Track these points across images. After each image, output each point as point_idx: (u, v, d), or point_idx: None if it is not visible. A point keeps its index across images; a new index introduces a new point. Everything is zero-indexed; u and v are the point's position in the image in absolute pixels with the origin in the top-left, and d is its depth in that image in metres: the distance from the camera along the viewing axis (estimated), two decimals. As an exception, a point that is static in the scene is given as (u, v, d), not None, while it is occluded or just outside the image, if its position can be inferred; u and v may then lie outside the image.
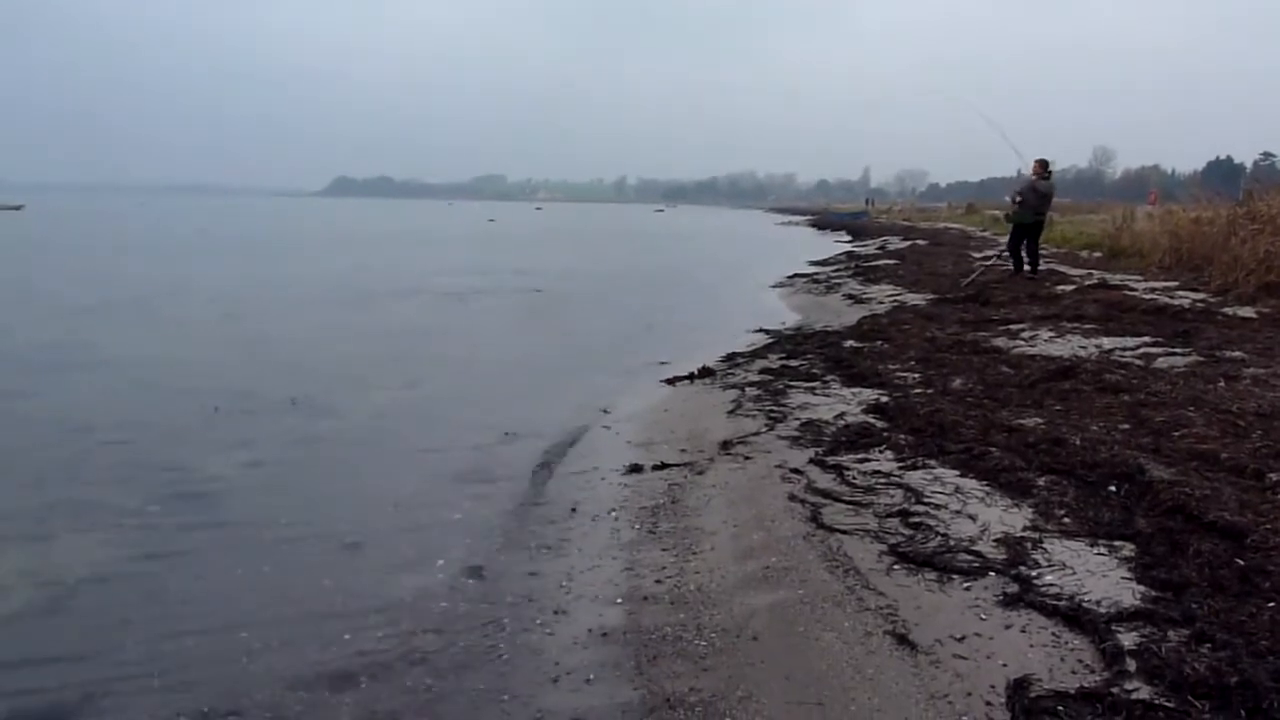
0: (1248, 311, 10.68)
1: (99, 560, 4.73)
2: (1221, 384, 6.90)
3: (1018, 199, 15.95)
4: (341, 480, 6.20)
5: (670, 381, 9.01)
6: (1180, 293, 12.76)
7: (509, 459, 6.61)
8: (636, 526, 5.07)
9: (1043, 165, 16.11)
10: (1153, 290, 13.12)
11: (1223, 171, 75.15)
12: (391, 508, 5.56)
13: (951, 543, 4.23)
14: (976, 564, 3.97)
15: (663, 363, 10.14)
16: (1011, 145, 16.45)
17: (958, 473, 5.23)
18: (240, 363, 10.37)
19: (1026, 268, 15.96)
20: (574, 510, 5.44)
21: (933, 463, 5.46)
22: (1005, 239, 18.20)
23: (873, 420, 6.60)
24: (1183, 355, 8.10)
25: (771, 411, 7.21)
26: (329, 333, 12.88)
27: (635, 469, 6.12)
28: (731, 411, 7.41)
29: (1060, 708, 2.85)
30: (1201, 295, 12.36)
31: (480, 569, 4.63)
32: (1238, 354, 8.06)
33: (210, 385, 8.77)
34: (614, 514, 5.30)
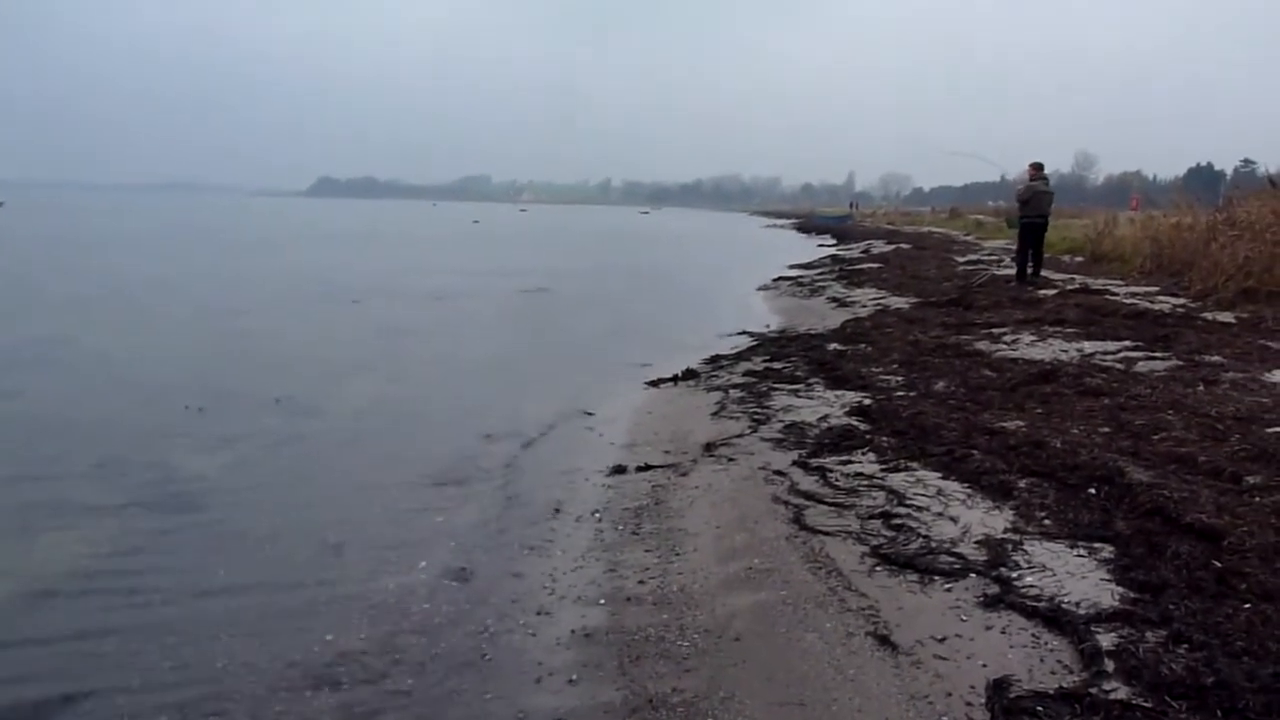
0: (1227, 316, 10.77)
1: (79, 559, 4.71)
2: (1201, 388, 6.96)
3: (1024, 200, 16.00)
4: (324, 481, 6.17)
5: (654, 383, 9.03)
6: (1161, 297, 12.87)
7: (493, 460, 6.60)
8: (620, 527, 5.08)
9: (1037, 168, 16.24)
10: (1134, 295, 13.23)
11: (1203, 178, 75.80)
12: (374, 509, 5.54)
13: (933, 544, 4.26)
14: (958, 565, 4.00)
15: (646, 364, 10.15)
16: (1000, 170, 16.69)
17: (939, 475, 5.26)
18: (223, 361, 10.34)
19: (1029, 270, 16.00)
20: (557, 511, 5.44)
21: (915, 465, 5.48)
22: (990, 243, 18.31)
23: (856, 423, 6.63)
24: (1163, 359, 8.17)
25: (755, 414, 7.23)
26: (311, 332, 12.85)
27: (619, 470, 6.13)
28: (715, 413, 7.42)
29: (1039, 708, 2.87)
30: (1182, 300, 12.48)
31: (463, 570, 4.62)
32: (1217, 358, 8.13)
33: (192, 384, 8.73)
34: (597, 515, 5.31)
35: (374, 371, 9.85)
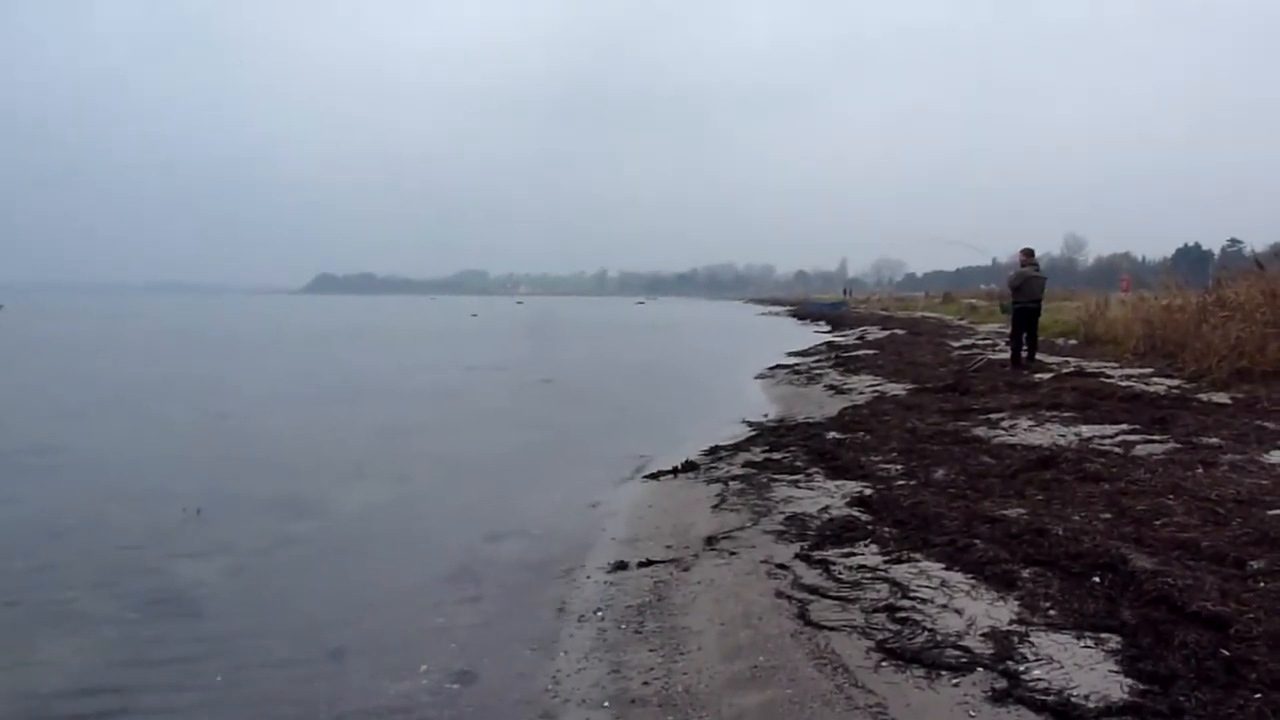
0: (1222, 397, 10.82)
1: (76, 670, 4.67)
2: (1200, 471, 6.97)
3: (1016, 287, 16.25)
4: (324, 584, 6.13)
5: (654, 476, 9.01)
6: (1155, 379, 12.93)
7: (494, 559, 6.57)
8: (623, 626, 5.04)
9: (1028, 254, 16.56)
10: (1129, 377, 13.30)
11: (1191, 258, 76.95)
12: (375, 612, 5.50)
13: (939, 638, 4.23)
14: (964, 659, 3.97)
15: (646, 456, 10.16)
16: (990, 255, 16.96)
17: (943, 565, 5.24)
18: (223, 463, 10.32)
19: (1024, 354, 16.12)
20: (560, 610, 5.41)
21: (917, 556, 5.47)
22: (984, 327, 18.48)
23: (857, 513, 6.62)
24: (1161, 442, 8.19)
25: (756, 505, 7.21)
26: (313, 431, 12.86)
27: (620, 566, 6.10)
28: (716, 506, 7.41)
29: (1053, 807, 2.83)
30: (1176, 381, 12.55)
31: (466, 673, 4.58)
32: (1214, 440, 8.15)
33: (192, 487, 8.71)
34: (600, 614, 5.27)
35: (374, 471, 9.84)
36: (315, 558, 6.74)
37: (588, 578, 5.99)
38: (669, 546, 6.48)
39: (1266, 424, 8.87)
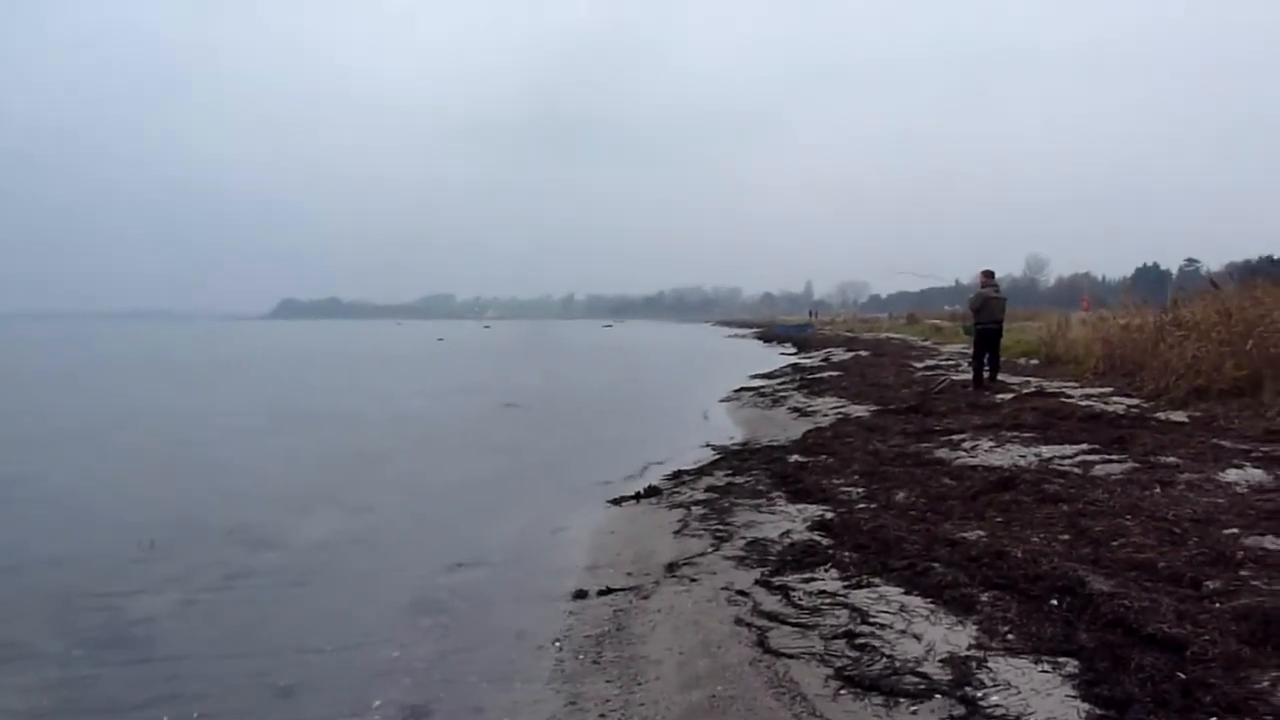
0: (1180, 416, 10.94)
1: (22, 710, 4.55)
2: (1157, 490, 7.01)
3: (977, 309, 16.35)
4: (277, 618, 6.00)
5: (616, 501, 8.96)
6: (1115, 398, 13.06)
7: (452, 588, 6.48)
8: (580, 656, 4.97)
9: (989, 276, 16.70)
10: (1089, 397, 13.42)
11: (1150, 278, 78.47)
12: (328, 646, 5.39)
13: (897, 664, 4.20)
14: (923, 686, 3.94)
15: (609, 481, 10.10)
16: (954, 277, 17.14)
17: (902, 590, 5.21)
18: (181, 492, 10.13)
19: (986, 375, 16.21)
20: (517, 640, 5.34)
21: (877, 580, 5.44)
22: (948, 348, 18.56)
23: (818, 538, 6.59)
24: (1119, 462, 8.23)
25: (717, 531, 7.18)
26: (275, 458, 12.68)
27: (580, 595, 6.04)
28: (678, 532, 7.36)
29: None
30: (1135, 400, 12.68)
31: (419, 707, 4.49)
32: (1172, 459, 8.20)
33: (148, 517, 8.55)
34: (558, 644, 5.20)
35: (335, 499, 9.68)
36: (269, 591, 6.59)
37: (547, 606, 5.91)
38: (630, 574, 6.43)
39: (1223, 442, 8.96)
